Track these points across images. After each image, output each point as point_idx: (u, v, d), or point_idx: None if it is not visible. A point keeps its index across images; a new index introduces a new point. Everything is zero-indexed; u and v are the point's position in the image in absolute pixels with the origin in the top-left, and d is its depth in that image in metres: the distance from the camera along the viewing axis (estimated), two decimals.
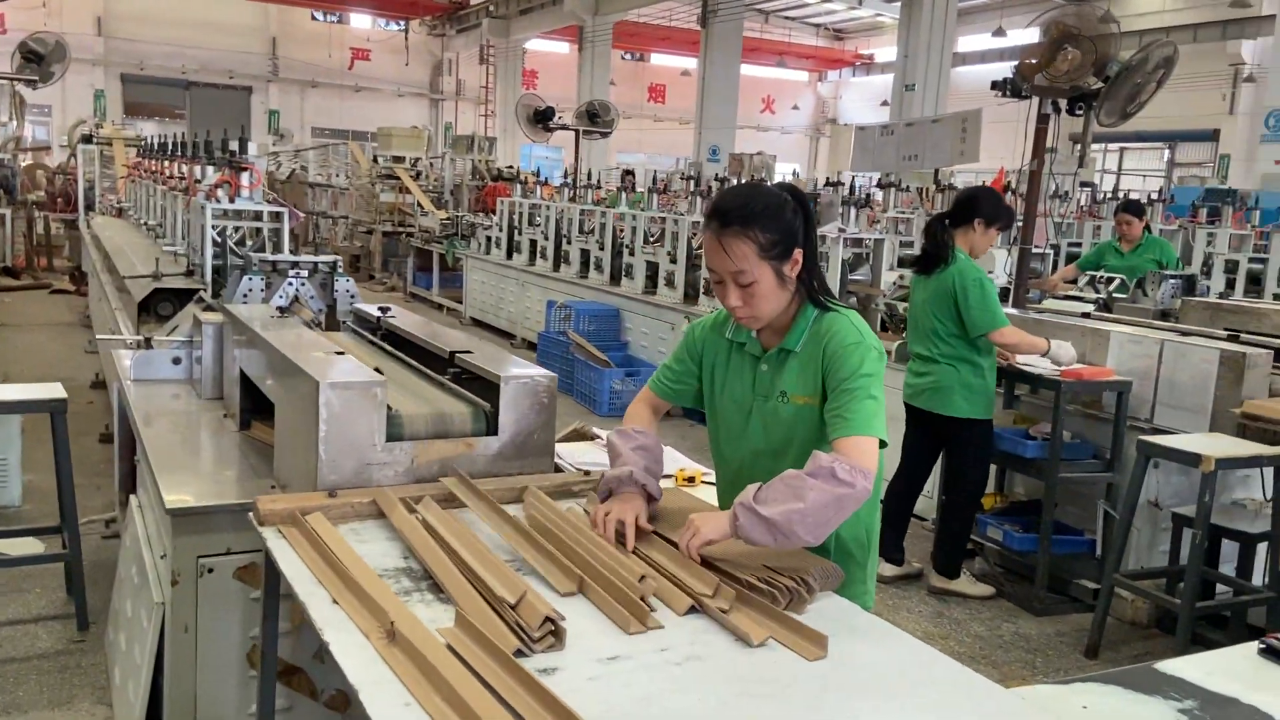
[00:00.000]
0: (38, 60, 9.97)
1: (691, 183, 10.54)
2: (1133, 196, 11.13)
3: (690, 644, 1.75)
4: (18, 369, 7.98)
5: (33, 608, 3.95)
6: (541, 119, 13.30)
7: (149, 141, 10.55)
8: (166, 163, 7.72)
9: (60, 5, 25.62)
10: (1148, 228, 7.50)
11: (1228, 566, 4.18)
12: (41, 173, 15.35)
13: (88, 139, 13.23)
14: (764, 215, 2.05)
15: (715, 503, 2.43)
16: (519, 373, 2.59)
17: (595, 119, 13.33)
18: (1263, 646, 1.98)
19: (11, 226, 13.27)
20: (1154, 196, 11.76)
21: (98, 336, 4.15)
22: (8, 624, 3.79)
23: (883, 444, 2.03)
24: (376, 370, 2.58)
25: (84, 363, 8.07)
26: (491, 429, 2.56)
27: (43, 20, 22.70)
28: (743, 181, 10.84)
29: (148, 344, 3.87)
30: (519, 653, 1.65)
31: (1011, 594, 4.66)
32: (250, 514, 2.24)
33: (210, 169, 5.72)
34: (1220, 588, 4.19)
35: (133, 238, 7.89)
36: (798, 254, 2.09)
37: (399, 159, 15.97)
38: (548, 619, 1.71)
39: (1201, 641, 3.95)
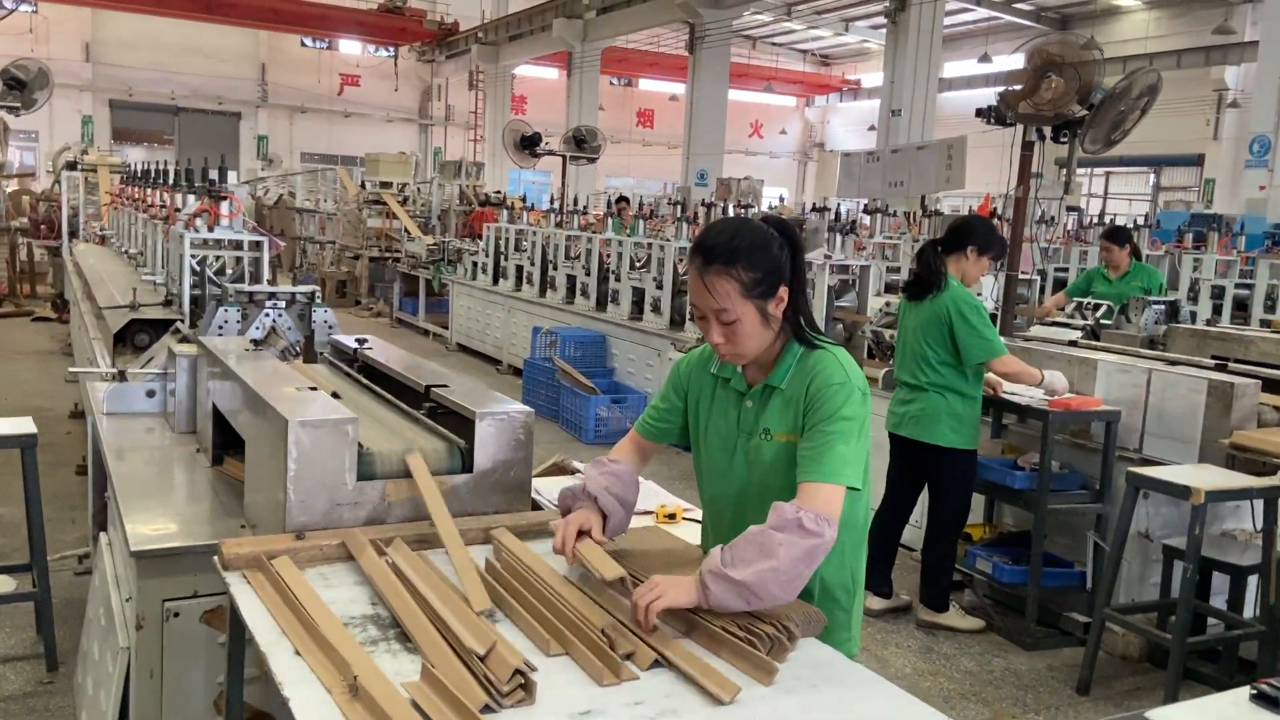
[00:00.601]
0: (20, 87, 9.92)
1: (678, 208, 10.52)
2: (1119, 221, 11.18)
3: (666, 696, 1.68)
4: None
5: (1, 647, 3.85)
6: (528, 144, 13.30)
7: (133, 168, 10.49)
8: (149, 190, 7.66)
9: (48, 31, 25.62)
10: (1136, 254, 7.50)
11: (1219, 599, 4.13)
12: (26, 199, 15.27)
13: (72, 165, 13.16)
14: (748, 253, 2.00)
15: (697, 540, 2.37)
16: (495, 408, 2.52)
17: (582, 144, 13.34)
18: (1254, 692, 1.92)
19: None
20: (1140, 221, 11.80)
21: (70, 369, 4.08)
22: None
23: (852, 488, 1.98)
24: (343, 403, 2.51)
25: (64, 392, 7.97)
26: (466, 466, 2.50)
27: (30, 46, 22.70)
28: (729, 210, 10.85)
29: (122, 376, 3.79)
30: (486, 708, 1.58)
31: (1001, 627, 4.60)
32: (215, 557, 2.17)
33: (191, 197, 5.66)
34: (1212, 621, 4.14)
35: (114, 266, 7.81)
36: (783, 292, 2.04)
37: (386, 184, 15.95)
38: (518, 672, 1.65)
39: (1193, 676, 3.90)
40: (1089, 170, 24.56)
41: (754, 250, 2.01)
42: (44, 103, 10.39)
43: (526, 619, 1.91)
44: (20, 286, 13.74)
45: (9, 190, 15.61)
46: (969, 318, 4.31)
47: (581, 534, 2.08)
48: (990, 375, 4.54)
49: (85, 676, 3.17)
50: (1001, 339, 4.56)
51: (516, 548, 2.19)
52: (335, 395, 2.79)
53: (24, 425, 3.77)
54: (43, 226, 13.81)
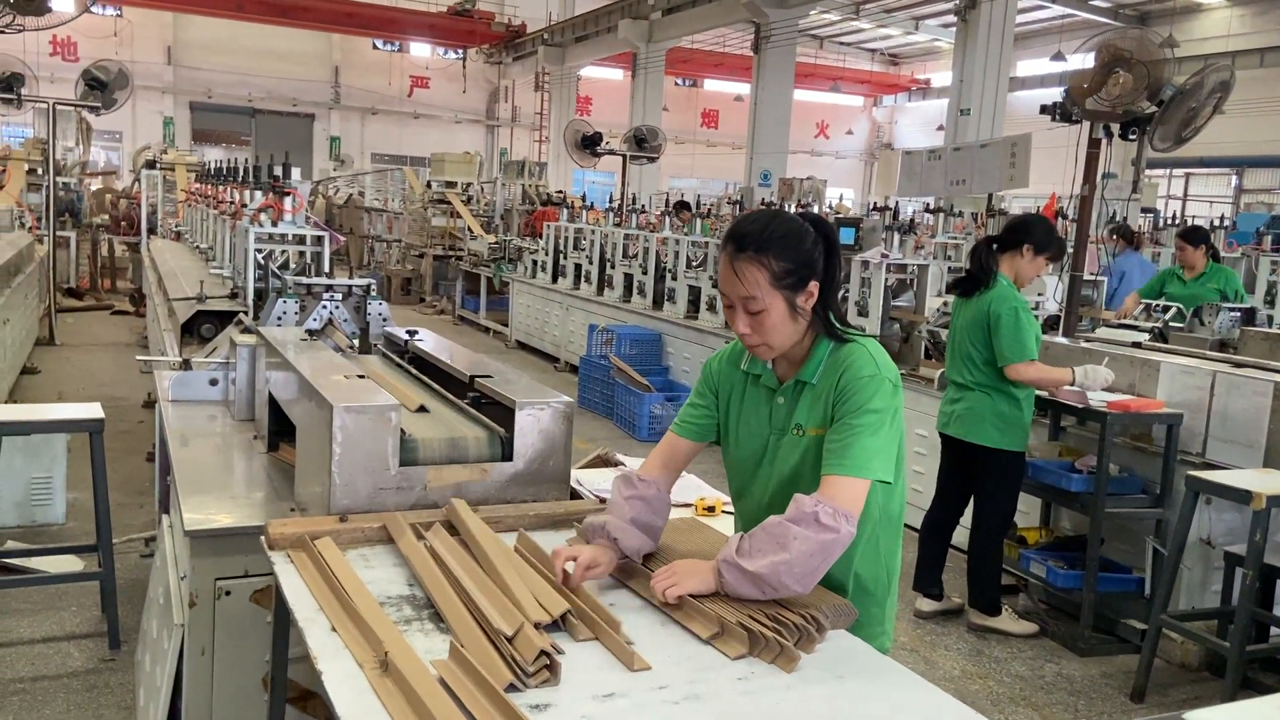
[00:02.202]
0: (101, 87, 10.29)
1: (737, 207, 10.48)
2: (1198, 223, 10.86)
3: (690, 682, 1.69)
4: (74, 388, 8.19)
5: (67, 625, 4.00)
6: (589, 144, 13.38)
7: (205, 167, 10.82)
8: (219, 187, 7.89)
9: (131, 35, 26.47)
10: (1215, 256, 7.29)
11: None
12: (109, 197, 15.81)
13: (151, 164, 13.61)
14: (781, 243, 1.99)
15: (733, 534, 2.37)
16: (535, 398, 2.56)
17: (643, 144, 13.38)
18: None
19: (77, 249, 13.66)
20: (1216, 223, 11.45)
21: (137, 358, 4.22)
22: (42, 641, 3.85)
23: (883, 481, 1.97)
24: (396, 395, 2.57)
25: (139, 383, 8.24)
26: (507, 455, 2.53)
27: (114, 49, 23.44)
28: (789, 209, 10.80)
29: (187, 365, 3.92)
30: (511, 687, 1.61)
31: (1055, 633, 4.51)
32: (262, 537, 2.24)
33: (257, 193, 5.82)
34: (1275, 631, 4.01)
35: (186, 261, 8.06)
36: (813, 286, 2.02)
37: (451, 184, 16.16)
38: (543, 653, 1.67)
39: (1253, 686, 3.79)
40: (1168, 171, 23.88)
41: (787, 241, 2.00)
42: (123, 103, 10.74)
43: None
44: (101, 281, 14.22)
45: (93, 189, 16.19)
46: (1004, 318, 4.22)
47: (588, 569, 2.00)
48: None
49: (144, 654, 3.28)
50: (1055, 339, 4.46)
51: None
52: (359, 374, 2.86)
53: (92, 410, 3.91)
54: (123, 223, 14.30)
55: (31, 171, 12.80)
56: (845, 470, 1.92)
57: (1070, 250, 5.85)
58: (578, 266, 10.86)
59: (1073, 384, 4.37)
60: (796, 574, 1.83)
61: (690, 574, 1.91)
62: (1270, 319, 8.06)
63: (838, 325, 2.08)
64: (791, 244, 2.00)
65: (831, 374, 2.05)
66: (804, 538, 1.83)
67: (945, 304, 5.97)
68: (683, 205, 11.84)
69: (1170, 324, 6.23)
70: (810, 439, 2.07)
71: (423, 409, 2.63)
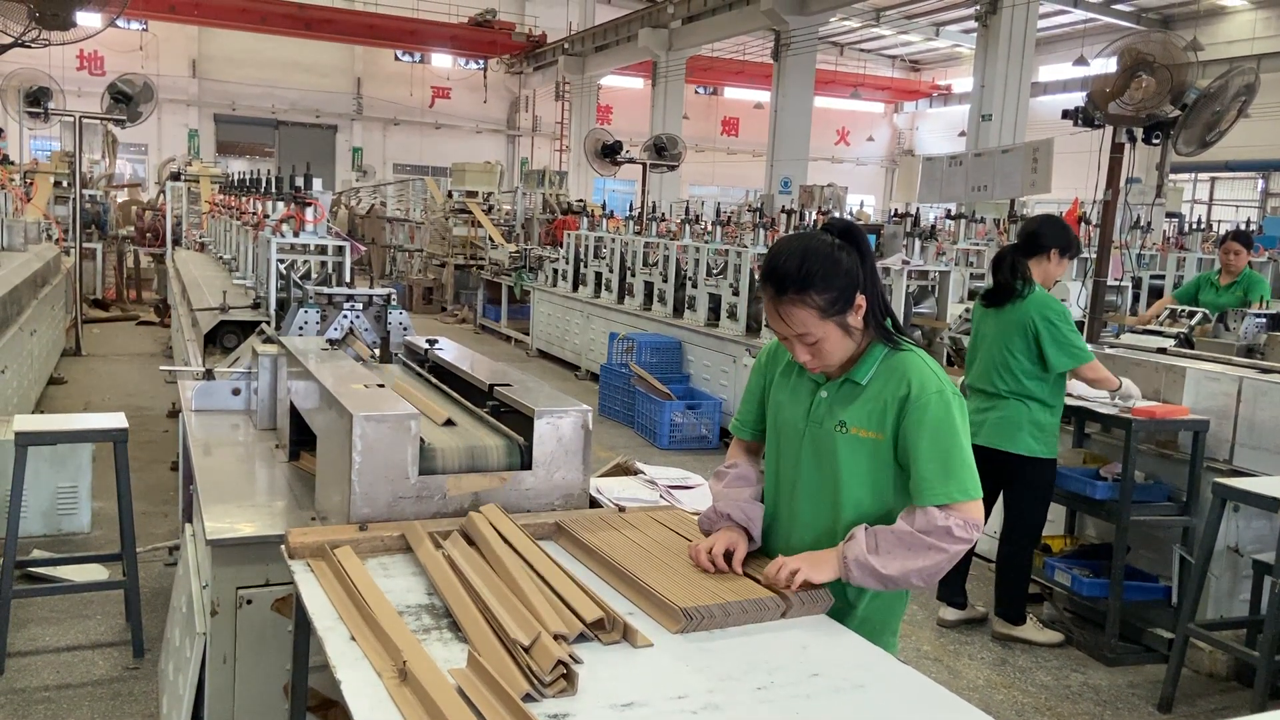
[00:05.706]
0: (126, 101, 10.41)
1: (757, 213, 10.47)
2: (1225, 228, 10.76)
3: (709, 691, 1.69)
4: (100, 398, 8.27)
5: (92, 634, 4.03)
6: (609, 152, 13.40)
7: (229, 178, 10.93)
8: (242, 198, 7.95)
9: (157, 48, 26.78)
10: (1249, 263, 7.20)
11: None
12: (135, 208, 15.98)
13: (176, 176, 13.75)
14: (820, 276, 2.00)
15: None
16: (554, 407, 2.56)
17: (662, 152, 13.39)
18: None
19: (103, 260, 13.82)
20: (1243, 227, 11.34)
21: (161, 368, 4.25)
22: (67, 649, 3.88)
23: None
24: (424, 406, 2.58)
25: (164, 392, 8.32)
26: (525, 463, 2.53)
27: (140, 63, 23.74)
28: (810, 216, 10.76)
29: (209, 375, 3.94)
30: (528, 697, 1.61)
31: (1081, 642, 4.46)
32: (282, 546, 2.24)
33: (280, 204, 5.87)
34: None
35: (210, 271, 8.13)
36: (860, 300, 2.05)
37: (472, 193, 16.22)
38: (560, 663, 1.67)
39: None
40: (1193, 176, 23.65)
41: (825, 272, 2.01)
42: (148, 116, 10.86)
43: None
44: (127, 292, 14.37)
45: (120, 200, 16.37)
46: (1057, 324, 4.20)
47: (729, 553, 2.13)
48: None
49: (168, 662, 3.30)
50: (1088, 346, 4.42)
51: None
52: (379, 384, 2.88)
53: (117, 420, 3.95)
54: (148, 234, 14.44)
55: (58, 184, 12.96)
56: (966, 495, 2.00)
57: (1095, 256, 5.81)
58: (598, 275, 10.88)
59: (1118, 389, 4.34)
60: (925, 576, 1.97)
61: (814, 565, 2.00)
62: None
63: (892, 332, 2.12)
64: (830, 272, 2.02)
65: (887, 379, 2.08)
66: (938, 548, 1.95)
67: (968, 310, 5.93)
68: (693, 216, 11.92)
69: (1195, 328, 6.16)
70: (856, 438, 2.09)
71: (450, 422, 2.64)
